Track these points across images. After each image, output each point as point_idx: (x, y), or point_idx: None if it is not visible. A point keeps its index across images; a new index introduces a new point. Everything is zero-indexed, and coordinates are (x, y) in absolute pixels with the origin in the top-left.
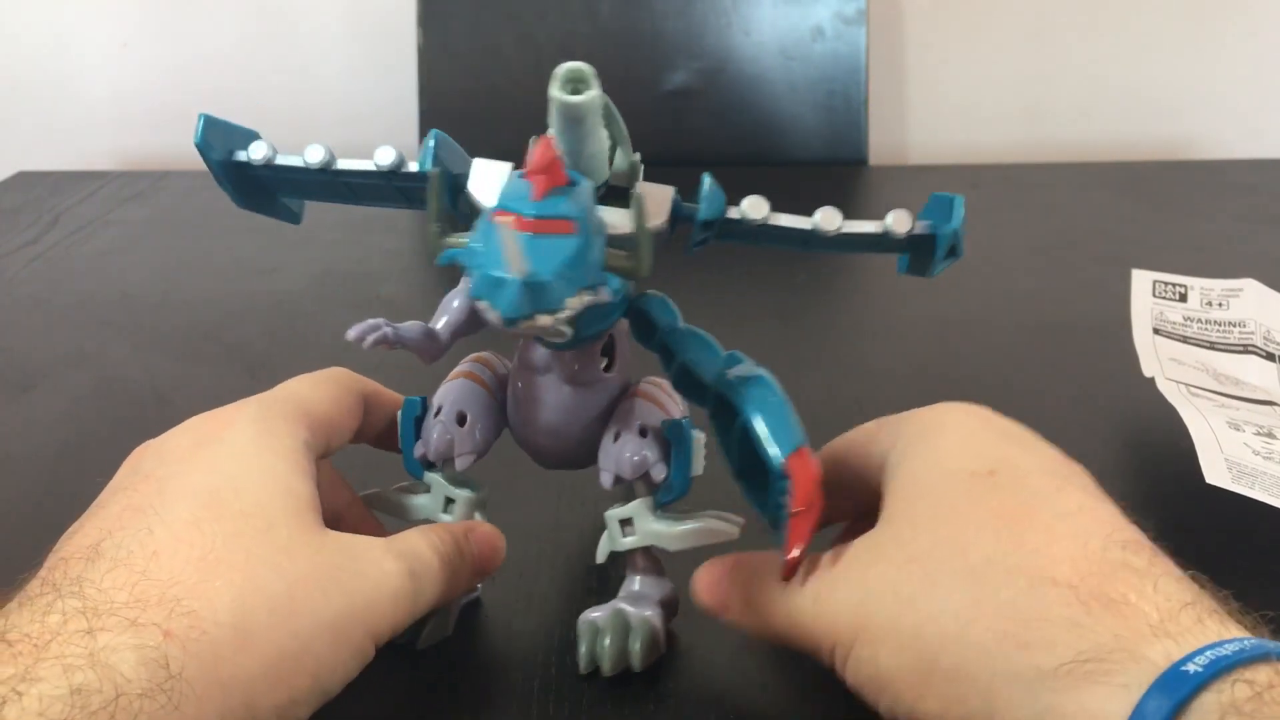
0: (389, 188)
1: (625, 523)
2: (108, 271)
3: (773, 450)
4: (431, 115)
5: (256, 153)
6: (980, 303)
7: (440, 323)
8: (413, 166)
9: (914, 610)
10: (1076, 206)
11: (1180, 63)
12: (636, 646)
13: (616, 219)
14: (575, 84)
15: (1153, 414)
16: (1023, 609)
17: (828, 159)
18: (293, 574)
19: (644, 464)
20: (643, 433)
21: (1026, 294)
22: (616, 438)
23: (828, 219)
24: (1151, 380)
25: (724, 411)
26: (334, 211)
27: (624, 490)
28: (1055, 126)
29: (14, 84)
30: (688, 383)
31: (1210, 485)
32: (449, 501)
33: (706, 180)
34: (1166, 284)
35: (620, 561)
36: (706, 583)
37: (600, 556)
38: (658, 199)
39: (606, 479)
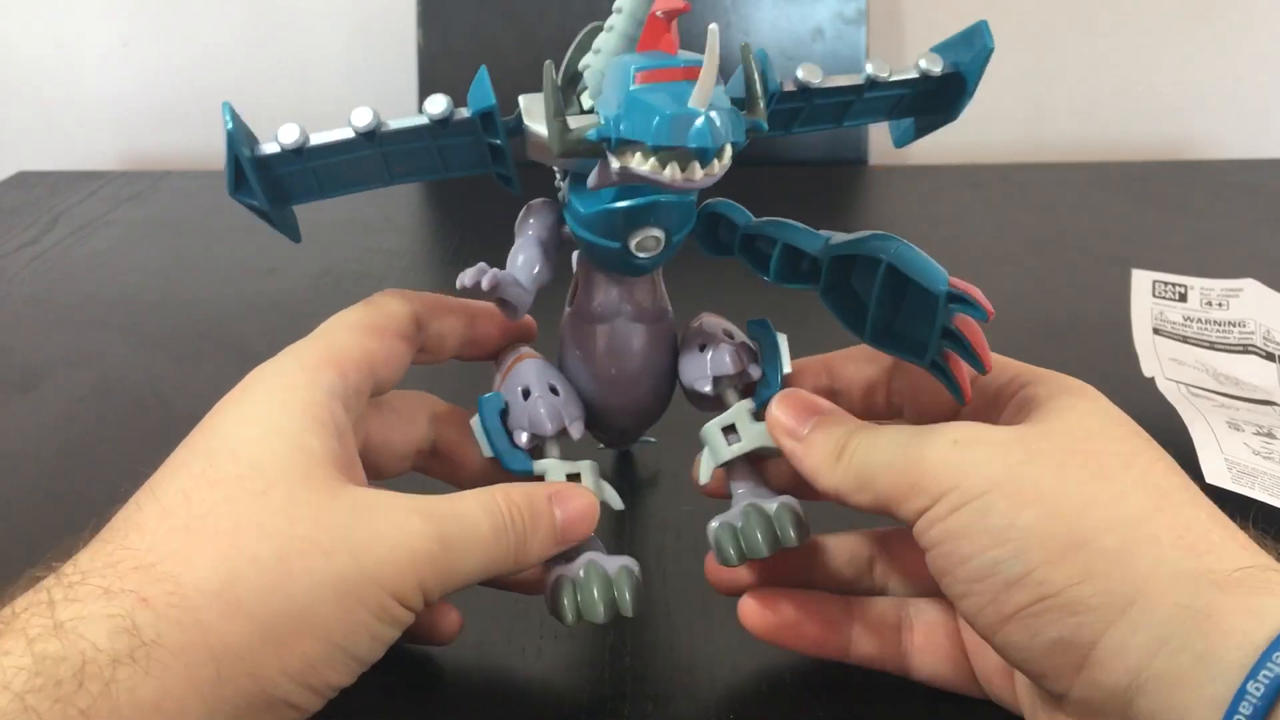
0: (429, 151)
1: (728, 431)
2: (108, 271)
3: (935, 278)
4: None
5: (287, 137)
6: None
7: (519, 273)
8: (463, 113)
9: (1082, 491)
10: (1076, 206)
11: (1180, 63)
12: (786, 526)
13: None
14: None
15: (1153, 414)
16: (1203, 528)
17: (828, 159)
18: (288, 536)
19: (741, 361)
20: (729, 336)
21: (1026, 294)
22: (703, 348)
23: (879, 68)
24: (1151, 380)
25: (842, 281)
26: (334, 211)
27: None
28: (1055, 126)
29: (14, 84)
30: (793, 266)
31: (1210, 485)
32: (571, 479)
33: (761, 52)
34: (1166, 284)
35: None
36: (792, 405)
37: (704, 476)
38: None
39: (705, 385)
